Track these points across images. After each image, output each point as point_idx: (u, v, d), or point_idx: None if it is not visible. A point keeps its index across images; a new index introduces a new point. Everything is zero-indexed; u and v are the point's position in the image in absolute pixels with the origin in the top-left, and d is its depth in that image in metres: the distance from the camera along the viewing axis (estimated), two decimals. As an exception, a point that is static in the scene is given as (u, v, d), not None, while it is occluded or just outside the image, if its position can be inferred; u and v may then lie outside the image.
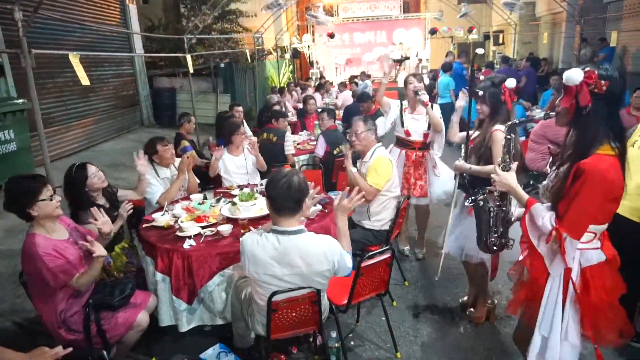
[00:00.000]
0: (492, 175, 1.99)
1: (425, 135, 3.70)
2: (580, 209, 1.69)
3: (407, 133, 3.72)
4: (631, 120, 4.36)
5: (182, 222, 2.86)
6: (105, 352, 2.13)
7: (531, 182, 4.66)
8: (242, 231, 2.71)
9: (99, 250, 2.24)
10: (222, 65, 11.10)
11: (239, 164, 4.02)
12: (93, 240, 2.26)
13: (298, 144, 5.42)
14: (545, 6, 13.42)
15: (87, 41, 7.89)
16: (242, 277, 2.56)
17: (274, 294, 2.09)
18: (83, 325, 2.33)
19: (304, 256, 2.06)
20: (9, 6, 3.24)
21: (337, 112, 7.18)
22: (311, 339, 2.81)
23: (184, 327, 2.66)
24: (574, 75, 1.66)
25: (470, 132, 2.80)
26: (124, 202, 2.84)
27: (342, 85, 10.30)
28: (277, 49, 14.25)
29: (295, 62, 16.41)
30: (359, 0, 16.16)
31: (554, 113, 1.89)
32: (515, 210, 2.14)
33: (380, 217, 3.24)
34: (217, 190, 3.70)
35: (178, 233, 2.76)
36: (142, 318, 2.46)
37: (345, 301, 2.50)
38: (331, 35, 15.09)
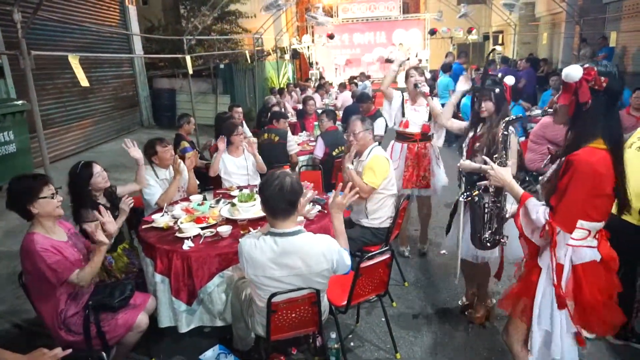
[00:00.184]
0: (488, 170, 1.99)
1: (425, 127, 3.72)
2: (570, 201, 1.68)
3: (406, 125, 3.74)
4: (631, 120, 4.37)
5: (181, 223, 2.86)
6: (104, 354, 2.12)
7: (527, 179, 4.66)
8: (242, 232, 2.71)
9: (102, 236, 2.27)
10: (222, 66, 11.08)
11: (239, 165, 4.03)
12: (99, 222, 2.33)
13: (297, 145, 5.41)
14: (544, 7, 13.44)
15: (86, 42, 7.89)
16: (242, 277, 2.56)
17: (273, 295, 2.08)
18: (83, 326, 2.33)
19: (303, 257, 2.06)
20: (8, 7, 3.24)
21: (337, 113, 7.18)
22: (311, 340, 2.81)
23: (184, 328, 2.66)
24: (574, 72, 1.65)
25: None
26: (124, 197, 2.84)
27: (342, 86, 10.30)
28: (276, 49, 14.26)
29: (294, 63, 16.41)
30: (359, 1, 16.19)
31: (551, 110, 1.88)
32: (511, 207, 2.14)
33: (377, 215, 3.26)
34: (217, 191, 3.69)
35: (177, 234, 2.75)
36: (142, 319, 2.46)
37: (345, 302, 2.50)
38: (331, 36, 15.09)
